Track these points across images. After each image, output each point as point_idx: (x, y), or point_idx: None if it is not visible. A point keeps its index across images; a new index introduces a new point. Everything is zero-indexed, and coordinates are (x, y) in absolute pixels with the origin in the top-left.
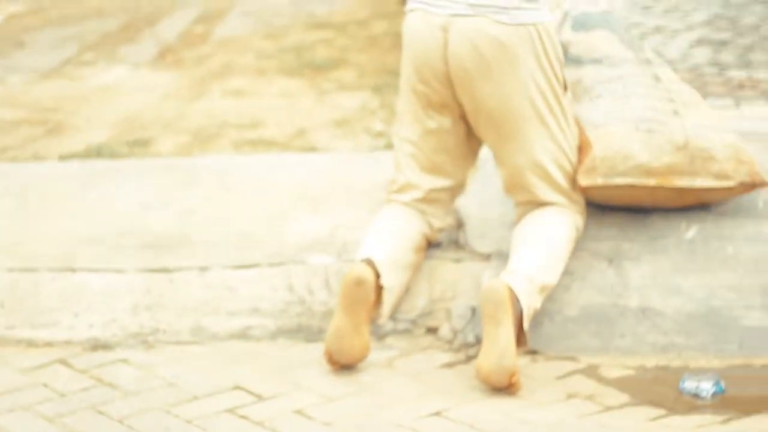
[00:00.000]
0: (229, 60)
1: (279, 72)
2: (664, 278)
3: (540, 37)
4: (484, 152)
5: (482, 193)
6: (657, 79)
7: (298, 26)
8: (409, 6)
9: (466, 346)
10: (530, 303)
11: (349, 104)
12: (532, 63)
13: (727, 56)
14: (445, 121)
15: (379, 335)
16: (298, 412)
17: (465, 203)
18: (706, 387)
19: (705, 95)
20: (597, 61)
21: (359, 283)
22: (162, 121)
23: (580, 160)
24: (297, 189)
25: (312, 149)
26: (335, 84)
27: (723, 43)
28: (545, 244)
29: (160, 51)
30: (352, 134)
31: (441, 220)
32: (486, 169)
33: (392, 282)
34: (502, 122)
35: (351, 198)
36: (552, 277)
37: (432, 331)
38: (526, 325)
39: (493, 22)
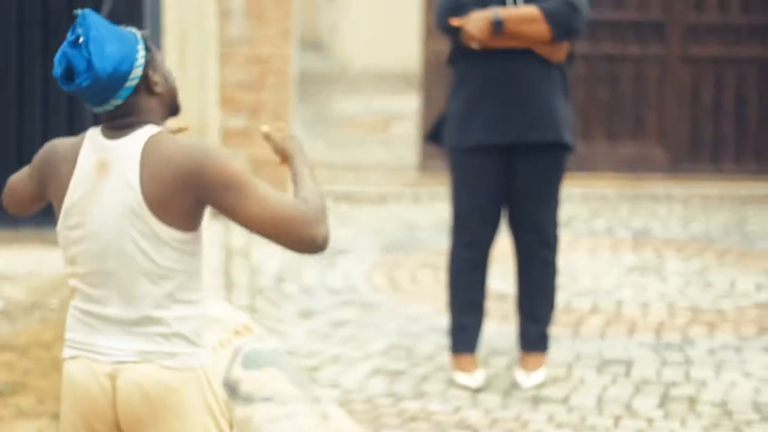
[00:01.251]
0: None
1: None
2: None
3: (207, 380)
4: None
5: None
6: (325, 417)
7: None
8: (67, 353)
9: None
10: None
11: None
12: (200, 406)
13: (402, 386)
14: None
15: None
16: None
17: None
18: None
19: (379, 427)
20: (267, 399)
21: None
22: None
23: None
24: None
25: None
26: (14, 410)
27: (398, 373)
28: None
29: None
30: None
31: None
32: None
33: None
34: None
35: None
36: None
37: None
38: None
39: (161, 367)
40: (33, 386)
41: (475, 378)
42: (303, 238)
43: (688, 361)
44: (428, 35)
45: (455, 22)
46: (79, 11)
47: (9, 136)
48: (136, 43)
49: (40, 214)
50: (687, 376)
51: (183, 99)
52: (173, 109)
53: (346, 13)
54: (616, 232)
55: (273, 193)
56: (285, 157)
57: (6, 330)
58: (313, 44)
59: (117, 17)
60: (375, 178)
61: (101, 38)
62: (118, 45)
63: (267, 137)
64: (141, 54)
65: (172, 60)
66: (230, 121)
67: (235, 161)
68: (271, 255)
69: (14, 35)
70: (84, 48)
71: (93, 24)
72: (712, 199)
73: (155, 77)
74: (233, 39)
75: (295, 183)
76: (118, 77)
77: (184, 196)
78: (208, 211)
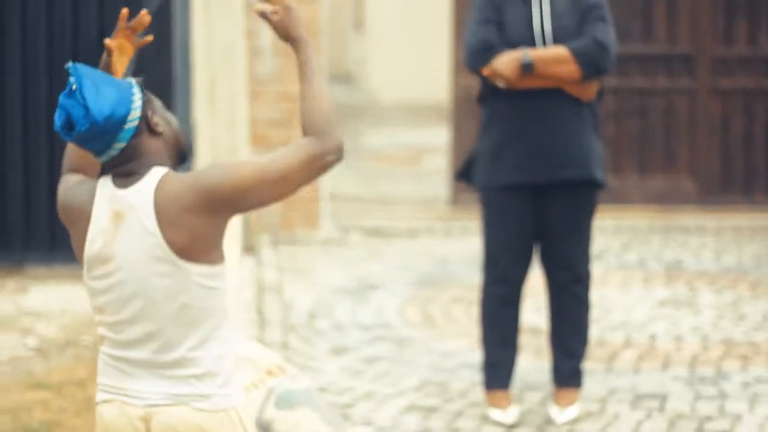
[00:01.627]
0: None
1: None
2: None
3: (240, 421)
4: None
5: None
6: None
7: (15, 387)
8: (100, 396)
9: None
10: None
11: None
12: None
13: (436, 423)
14: None
15: None
16: None
17: None
18: None
19: None
20: None
21: None
22: None
23: None
24: None
25: None
26: None
27: (432, 410)
28: None
29: None
30: None
31: None
32: None
33: None
34: None
35: None
36: None
37: None
38: None
39: (194, 410)
40: (68, 425)
41: (509, 414)
42: (328, 165)
43: (722, 395)
44: (458, 69)
45: (485, 71)
46: (69, 64)
47: (41, 176)
48: (131, 87)
49: (72, 251)
50: (722, 411)
51: (213, 137)
52: (180, 154)
53: (374, 46)
54: (648, 265)
55: (285, 158)
56: (288, 39)
57: (40, 368)
58: (341, 77)
59: (146, 57)
60: (406, 212)
61: (95, 84)
62: (112, 88)
63: (263, 16)
64: (137, 96)
65: (202, 99)
66: None
67: (241, 163)
68: (303, 291)
69: (44, 73)
70: (78, 94)
71: (85, 73)
72: (743, 230)
73: (155, 118)
74: (263, 77)
75: (303, 88)
76: (117, 120)
77: (215, 222)
78: (238, 250)
